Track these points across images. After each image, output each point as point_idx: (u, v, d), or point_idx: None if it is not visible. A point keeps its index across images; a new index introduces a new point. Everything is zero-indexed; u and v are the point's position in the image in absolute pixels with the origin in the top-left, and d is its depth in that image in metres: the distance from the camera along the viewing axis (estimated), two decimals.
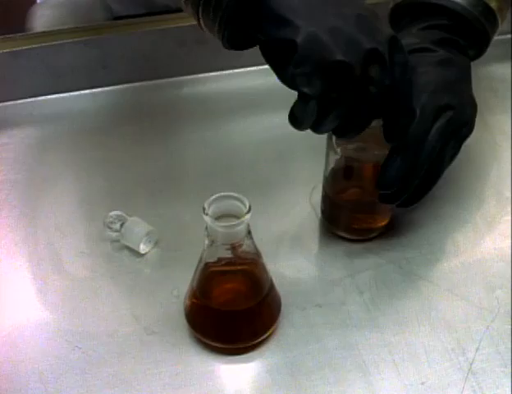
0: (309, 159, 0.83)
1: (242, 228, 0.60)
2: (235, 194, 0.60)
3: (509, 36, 0.94)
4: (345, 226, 0.75)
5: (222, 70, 0.94)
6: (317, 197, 0.78)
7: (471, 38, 0.74)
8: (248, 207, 0.60)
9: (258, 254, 0.64)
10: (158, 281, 0.72)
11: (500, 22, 0.75)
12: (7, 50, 0.87)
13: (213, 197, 0.60)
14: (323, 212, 0.76)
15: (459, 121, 0.69)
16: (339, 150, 0.69)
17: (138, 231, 0.73)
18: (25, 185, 0.81)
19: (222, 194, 0.60)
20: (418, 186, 0.69)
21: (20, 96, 0.90)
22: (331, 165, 0.71)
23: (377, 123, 0.64)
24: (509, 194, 0.80)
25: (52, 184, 0.81)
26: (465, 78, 0.73)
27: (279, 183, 0.81)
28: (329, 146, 0.70)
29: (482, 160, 0.86)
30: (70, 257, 0.74)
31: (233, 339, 0.65)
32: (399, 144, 0.66)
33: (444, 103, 0.68)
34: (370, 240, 0.75)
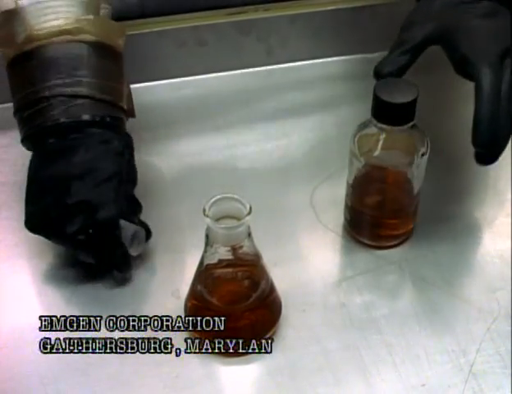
0: (310, 159, 0.83)
1: (242, 230, 0.60)
2: (236, 196, 0.60)
3: None
4: (369, 234, 0.75)
5: (222, 71, 0.94)
6: (318, 198, 0.78)
7: None
8: (248, 208, 0.59)
9: (258, 255, 0.64)
10: (159, 282, 0.72)
11: None
12: None
13: (214, 199, 0.60)
14: (347, 219, 0.76)
15: None
16: (362, 159, 0.69)
17: (124, 235, 0.71)
18: (25, 186, 0.81)
19: (223, 195, 0.60)
20: (505, 141, 0.68)
21: None
22: (355, 172, 0.71)
23: (401, 129, 0.65)
24: (509, 195, 0.80)
25: None
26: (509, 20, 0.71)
27: (279, 184, 0.81)
28: (352, 154, 0.70)
29: None
30: (69, 258, 0.73)
31: (233, 340, 0.65)
32: (480, 101, 0.66)
33: (504, 47, 0.67)
34: (394, 247, 0.75)
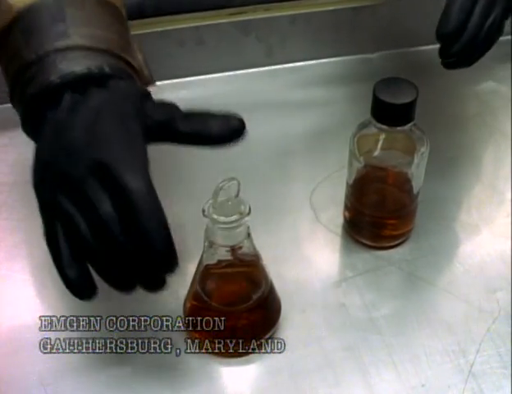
0: (309, 160, 0.84)
1: (242, 230, 0.60)
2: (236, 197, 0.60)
3: (509, 37, 0.93)
4: (368, 234, 0.75)
5: (222, 71, 0.94)
6: (318, 198, 0.79)
7: None
8: (248, 209, 0.59)
9: (257, 256, 0.64)
10: None
11: None
12: None
13: (212, 200, 0.60)
14: (347, 220, 0.76)
15: None
16: (362, 159, 0.70)
17: None
18: (25, 186, 0.81)
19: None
20: (474, 43, 0.69)
21: None
22: (354, 173, 0.71)
23: (400, 130, 0.65)
24: (509, 195, 0.80)
25: None
26: None
27: (279, 184, 0.81)
28: (352, 155, 0.70)
29: (482, 160, 0.86)
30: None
31: (233, 341, 0.65)
32: None
33: None
34: (394, 247, 0.75)
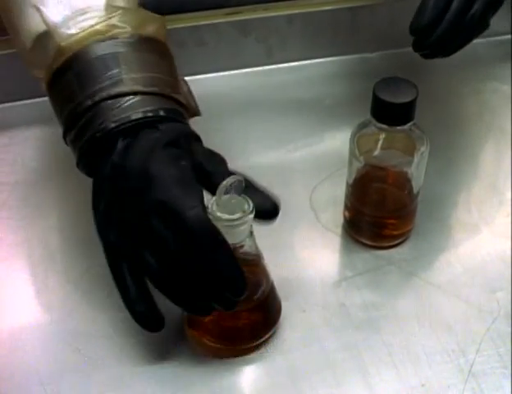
0: (309, 159, 0.84)
1: (244, 228, 0.60)
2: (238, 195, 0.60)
3: (509, 36, 0.93)
4: (368, 234, 0.75)
5: (222, 71, 0.94)
6: (317, 198, 0.79)
7: None
8: (251, 207, 0.59)
9: (259, 255, 0.64)
10: None
11: None
12: (6, 51, 0.86)
13: (215, 197, 0.60)
14: (347, 219, 0.76)
15: None
16: (362, 159, 0.70)
17: None
18: (25, 186, 0.81)
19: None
20: (448, 36, 0.70)
21: (21, 97, 0.90)
22: (354, 172, 0.71)
23: (400, 129, 0.66)
24: (509, 195, 0.80)
25: (52, 185, 0.81)
26: None
27: (279, 184, 0.81)
28: (352, 154, 0.70)
29: (482, 159, 0.86)
30: (69, 259, 0.73)
31: (233, 341, 0.65)
32: None
33: None
34: (394, 247, 0.75)
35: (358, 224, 0.75)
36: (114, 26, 0.64)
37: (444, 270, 0.73)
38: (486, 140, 0.87)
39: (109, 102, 0.62)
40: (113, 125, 0.61)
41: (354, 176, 0.72)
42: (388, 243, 0.75)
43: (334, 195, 0.77)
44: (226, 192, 0.59)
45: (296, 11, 0.92)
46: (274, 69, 0.94)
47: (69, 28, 0.64)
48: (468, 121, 0.87)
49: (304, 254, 0.75)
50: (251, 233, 0.62)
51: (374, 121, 0.67)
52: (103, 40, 0.63)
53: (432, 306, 0.70)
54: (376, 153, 0.69)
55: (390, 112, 0.65)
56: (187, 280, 0.58)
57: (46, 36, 0.65)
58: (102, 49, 0.63)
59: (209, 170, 0.61)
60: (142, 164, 0.59)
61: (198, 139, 0.64)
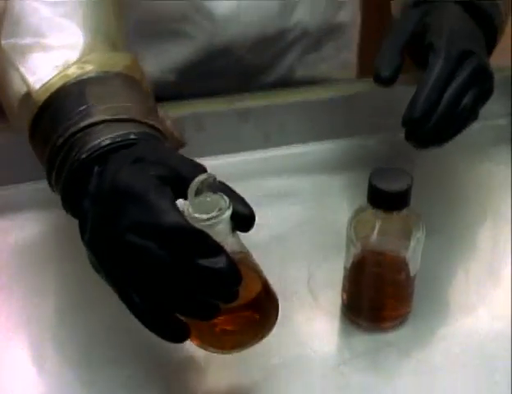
0: (307, 243, 0.84)
1: (224, 226, 0.59)
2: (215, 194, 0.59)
3: (502, 119, 0.95)
4: (367, 316, 0.75)
5: (220, 154, 0.95)
6: (315, 281, 0.79)
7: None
8: (227, 203, 0.58)
9: (246, 253, 0.62)
10: None
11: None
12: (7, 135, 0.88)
13: (189, 197, 0.58)
14: (344, 302, 0.76)
15: (482, 70, 0.73)
16: (359, 244, 0.71)
17: None
18: (25, 269, 0.81)
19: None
20: (440, 128, 0.72)
21: (22, 180, 0.91)
22: (352, 257, 0.72)
23: (396, 215, 0.67)
24: (507, 276, 0.80)
25: (52, 268, 0.82)
26: (482, 43, 0.77)
27: (276, 266, 0.81)
28: (349, 239, 0.71)
29: (480, 241, 0.87)
30: (68, 340, 0.74)
31: (233, 343, 0.64)
32: (425, 83, 0.71)
33: (468, 48, 0.72)
34: (393, 329, 0.75)
35: (357, 307, 0.75)
36: (81, 67, 0.67)
37: (442, 351, 0.73)
38: (483, 222, 0.88)
39: (79, 135, 0.63)
40: (85, 155, 0.62)
41: (351, 260, 0.72)
42: (386, 325, 0.75)
43: (332, 278, 0.78)
44: (199, 191, 0.57)
45: (295, 99, 0.94)
46: (272, 155, 0.95)
47: (42, 80, 0.67)
48: (465, 203, 0.88)
49: (302, 336, 0.75)
50: (233, 230, 0.60)
51: (370, 207, 0.68)
52: (71, 81, 0.66)
53: (431, 388, 0.70)
54: (373, 238, 0.70)
55: (385, 199, 0.66)
56: (182, 284, 0.56)
57: (28, 95, 0.68)
58: (69, 90, 0.66)
59: (184, 175, 0.59)
60: (111, 186, 0.59)
61: (174, 150, 0.65)
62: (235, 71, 1.01)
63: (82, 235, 0.61)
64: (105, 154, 0.62)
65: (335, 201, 0.89)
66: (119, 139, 0.63)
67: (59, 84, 0.66)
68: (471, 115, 0.73)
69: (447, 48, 0.71)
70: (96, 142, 0.62)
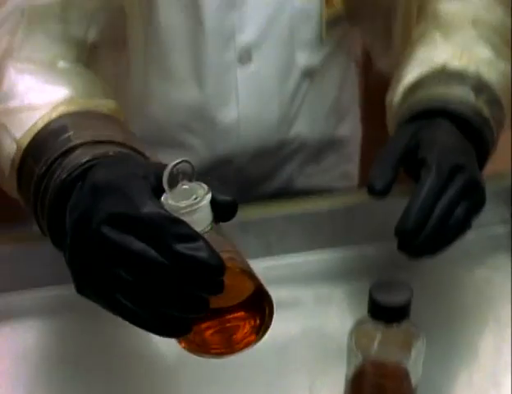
0: (308, 354, 0.84)
1: (204, 214, 0.57)
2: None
3: (499, 227, 0.96)
4: None
5: None
6: (317, 391, 0.78)
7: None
8: (206, 189, 0.57)
9: (234, 251, 0.59)
10: None
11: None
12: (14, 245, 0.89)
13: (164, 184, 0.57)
14: None
15: (473, 183, 0.74)
16: (360, 355, 0.71)
17: None
18: (26, 378, 0.81)
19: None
20: (432, 239, 0.72)
21: (24, 287, 0.91)
22: (353, 368, 0.72)
23: (396, 326, 0.68)
24: (508, 386, 0.80)
25: (53, 378, 0.81)
26: (473, 157, 0.78)
27: (278, 376, 0.81)
28: (350, 351, 0.72)
29: (481, 351, 0.86)
30: None
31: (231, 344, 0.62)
32: (417, 196, 0.72)
33: (459, 163, 0.74)
34: None
35: None
36: (65, 108, 0.71)
37: None
38: (484, 330, 0.88)
39: (60, 159, 0.65)
40: (66, 174, 0.63)
41: (353, 371, 0.72)
42: None
43: (333, 389, 0.77)
44: (174, 180, 0.56)
45: (295, 210, 0.95)
46: (273, 264, 0.94)
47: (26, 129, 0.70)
48: (465, 312, 0.88)
49: None
50: (215, 221, 0.58)
51: (371, 320, 0.68)
52: (53, 119, 0.70)
53: None
54: (374, 349, 0.70)
55: (386, 312, 0.67)
56: (163, 274, 0.54)
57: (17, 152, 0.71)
58: (52, 127, 0.69)
59: (162, 170, 0.58)
60: (89, 186, 0.59)
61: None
62: (235, 181, 1.03)
63: (64, 253, 0.61)
64: (85, 171, 0.62)
65: (336, 311, 0.90)
66: (98, 156, 0.64)
67: (41, 125, 0.70)
68: (463, 226, 0.75)
69: (438, 163, 0.73)
70: (76, 161, 0.64)
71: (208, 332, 0.60)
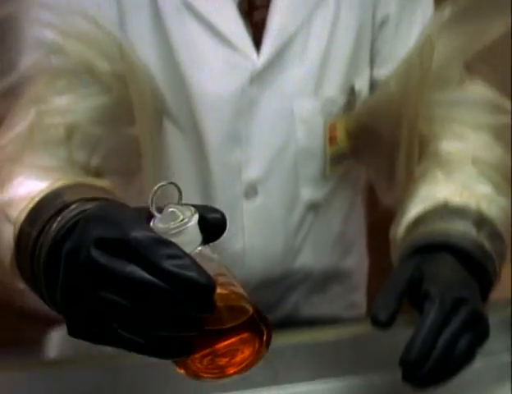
0: None
1: (192, 235, 0.58)
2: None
3: (506, 356, 0.96)
4: None
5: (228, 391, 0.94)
6: None
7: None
8: (193, 210, 0.57)
9: (227, 276, 0.60)
10: None
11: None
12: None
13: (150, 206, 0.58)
14: None
15: (476, 315, 0.76)
16: None
17: None
18: None
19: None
20: (436, 370, 0.73)
21: None
22: None
23: None
24: None
25: None
26: (476, 290, 0.80)
27: None
28: None
29: None
30: None
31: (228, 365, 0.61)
32: (421, 328, 0.73)
33: (461, 296, 0.75)
34: None
35: None
36: (60, 182, 0.72)
37: None
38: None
39: (53, 218, 0.65)
40: (55, 233, 0.64)
41: None
42: None
43: None
44: (161, 202, 0.57)
45: (301, 339, 0.95)
46: (279, 392, 0.95)
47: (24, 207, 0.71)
48: None
49: None
50: (204, 242, 0.59)
51: None
52: (49, 192, 0.71)
53: None
54: None
55: None
56: (154, 295, 0.55)
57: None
58: (46, 199, 0.70)
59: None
60: (80, 227, 0.60)
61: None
62: None
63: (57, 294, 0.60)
64: (79, 221, 0.62)
65: None
66: (89, 207, 0.64)
67: (37, 199, 0.70)
68: (467, 358, 0.76)
69: (441, 296, 0.75)
70: (69, 215, 0.64)
71: (206, 358, 0.60)
